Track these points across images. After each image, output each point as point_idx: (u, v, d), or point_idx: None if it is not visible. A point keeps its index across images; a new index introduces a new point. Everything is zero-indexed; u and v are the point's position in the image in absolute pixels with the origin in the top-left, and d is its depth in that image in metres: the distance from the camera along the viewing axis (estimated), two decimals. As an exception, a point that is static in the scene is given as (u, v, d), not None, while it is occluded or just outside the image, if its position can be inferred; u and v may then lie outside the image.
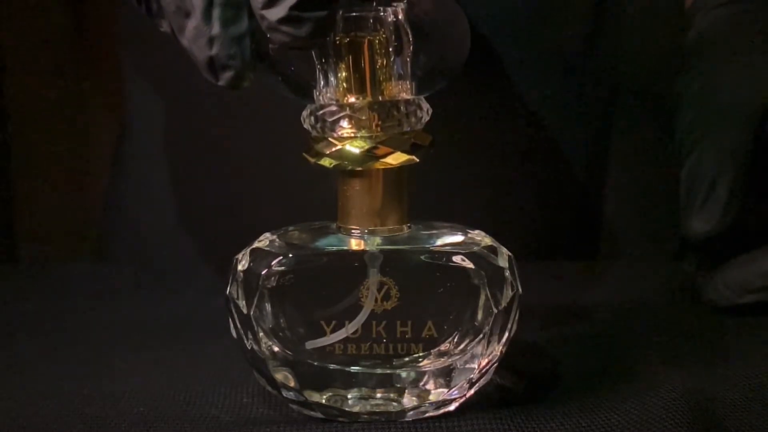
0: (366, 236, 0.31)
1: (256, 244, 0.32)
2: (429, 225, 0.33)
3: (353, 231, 0.31)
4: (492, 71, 0.51)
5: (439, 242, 0.31)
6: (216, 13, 0.28)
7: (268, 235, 0.33)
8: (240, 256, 0.32)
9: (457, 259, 0.31)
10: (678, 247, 0.56)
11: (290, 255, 0.31)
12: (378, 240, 0.31)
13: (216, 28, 0.28)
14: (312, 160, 0.31)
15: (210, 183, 0.55)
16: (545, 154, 0.54)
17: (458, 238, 0.32)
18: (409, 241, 0.31)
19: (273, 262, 0.30)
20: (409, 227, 0.32)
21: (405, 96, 0.31)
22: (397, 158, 0.30)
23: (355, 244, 0.31)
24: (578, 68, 0.53)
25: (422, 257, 0.31)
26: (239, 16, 0.28)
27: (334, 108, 0.30)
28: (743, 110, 0.42)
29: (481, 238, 0.32)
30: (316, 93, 0.31)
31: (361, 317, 0.31)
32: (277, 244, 0.32)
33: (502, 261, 0.31)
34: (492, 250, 0.31)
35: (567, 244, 0.57)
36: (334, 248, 0.31)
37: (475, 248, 0.31)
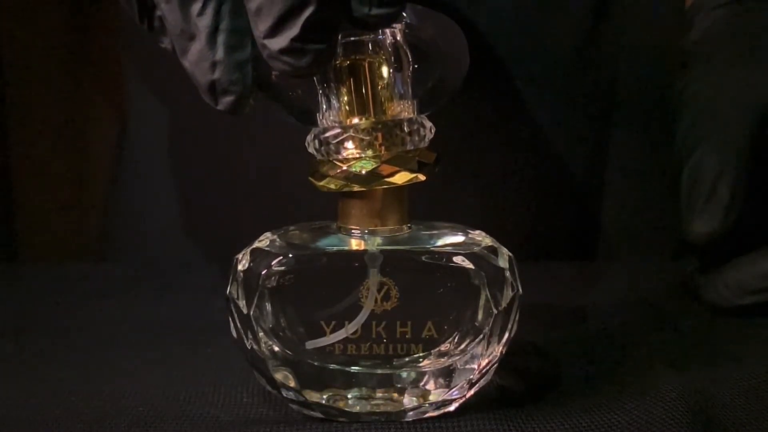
0: (366, 236, 0.31)
1: (256, 244, 0.32)
2: (430, 225, 0.33)
3: (353, 231, 0.31)
4: (492, 73, 0.51)
5: (440, 243, 0.31)
6: (221, 38, 0.28)
7: (268, 234, 0.33)
8: (240, 255, 0.32)
9: (457, 259, 0.31)
10: (678, 247, 0.56)
11: (290, 255, 0.31)
12: (378, 240, 0.31)
13: (220, 53, 0.28)
14: (318, 183, 0.31)
15: (210, 183, 0.55)
16: (545, 154, 0.54)
17: (459, 238, 0.32)
18: (410, 242, 0.31)
19: (273, 262, 0.30)
20: (410, 227, 0.32)
21: (407, 115, 0.31)
22: (402, 177, 0.30)
23: (355, 244, 0.31)
24: (578, 69, 0.53)
25: (422, 258, 0.31)
26: (243, 43, 0.28)
27: (337, 130, 0.30)
28: (744, 111, 0.42)
29: (481, 238, 0.32)
30: (319, 116, 0.31)
31: (361, 318, 0.31)
32: (277, 244, 0.32)
33: (503, 261, 0.31)
34: (492, 250, 0.31)
35: (567, 245, 0.57)
36: (335, 248, 0.31)
37: (476, 249, 0.31)
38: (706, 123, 0.43)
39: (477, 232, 0.32)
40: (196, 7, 0.28)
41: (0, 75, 0.66)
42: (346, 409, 0.31)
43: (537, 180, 0.54)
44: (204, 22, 0.28)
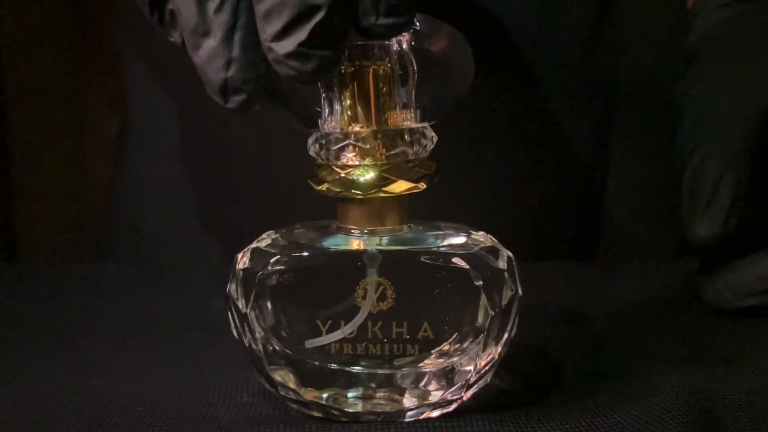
0: (365, 236, 0.31)
1: (256, 243, 0.32)
2: (430, 225, 0.33)
3: (353, 231, 0.31)
4: (494, 75, 0.51)
5: (439, 243, 0.31)
6: (238, 36, 0.28)
7: (270, 233, 0.33)
8: (240, 254, 0.32)
9: (455, 260, 0.31)
10: (679, 248, 0.56)
11: (289, 254, 0.31)
12: (377, 240, 0.31)
13: (236, 51, 0.28)
14: (316, 187, 0.31)
15: (211, 182, 0.55)
16: (546, 154, 0.54)
17: (459, 239, 0.32)
18: (409, 242, 0.31)
19: (272, 261, 0.31)
20: (409, 227, 0.32)
21: (409, 124, 0.31)
22: (401, 186, 0.30)
23: (354, 244, 0.31)
24: (579, 71, 0.53)
25: (421, 258, 0.31)
26: (258, 42, 0.28)
27: (338, 136, 0.30)
28: (746, 113, 0.42)
29: (482, 239, 0.32)
30: (320, 121, 0.31)
31: (359, 318, 0.31)
32: (277, 243, 0.32)
33: (502, 262, 0.31)
34: (492, 251, 0.31)
35: (568, 245, 0.57)
36: (333, 248, 0.31)
37: (475, 249, 0.31)
38: (707, 125, 0.43)
39: (480, 233, 0.32)
40: (213, 3, 0.28)
41: (0, 74, 0.66)
42: (346, 409, 0.31)
43: (539, 180, 0.54)
44: (221, 19, 0.28)
